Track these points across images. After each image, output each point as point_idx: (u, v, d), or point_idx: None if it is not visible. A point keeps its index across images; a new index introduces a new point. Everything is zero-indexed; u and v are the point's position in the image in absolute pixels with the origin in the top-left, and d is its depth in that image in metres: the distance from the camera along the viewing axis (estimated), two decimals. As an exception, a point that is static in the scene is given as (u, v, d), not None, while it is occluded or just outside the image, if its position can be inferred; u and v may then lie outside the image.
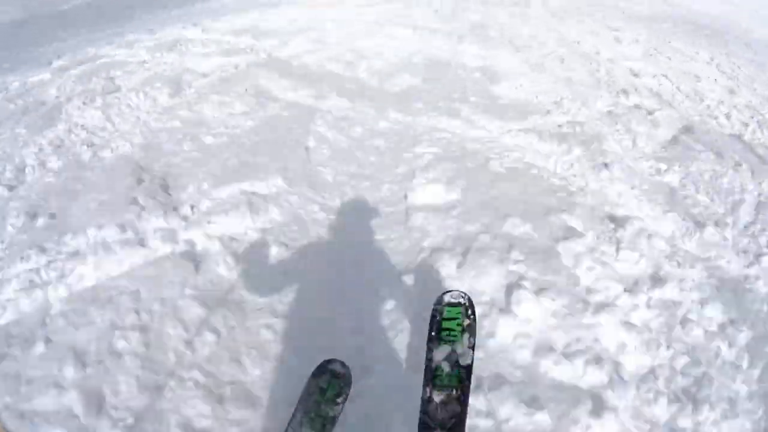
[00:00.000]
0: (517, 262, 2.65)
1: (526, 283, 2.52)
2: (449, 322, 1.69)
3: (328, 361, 1.79)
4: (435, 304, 1.72)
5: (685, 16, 8.77)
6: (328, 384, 1.74)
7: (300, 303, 2.36)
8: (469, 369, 1.63)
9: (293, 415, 1.70)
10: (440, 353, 1.65)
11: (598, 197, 3.23)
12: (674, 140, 4.10)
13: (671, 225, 3.03)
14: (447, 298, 1.73)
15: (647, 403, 2.08)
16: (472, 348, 1.66)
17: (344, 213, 3.04)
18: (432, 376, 1.61)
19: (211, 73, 5.00)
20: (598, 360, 2.22)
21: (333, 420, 1.71)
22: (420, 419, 1.53)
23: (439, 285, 2.51)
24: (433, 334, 1.68)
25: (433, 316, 1.70)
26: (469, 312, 1.71)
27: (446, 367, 1.62)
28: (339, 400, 1.73)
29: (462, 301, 1.72)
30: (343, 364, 1.79)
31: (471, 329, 1.69)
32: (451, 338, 1.67)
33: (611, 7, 9.09)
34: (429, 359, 1.64)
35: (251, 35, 6.32)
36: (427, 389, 1.59)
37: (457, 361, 1.63)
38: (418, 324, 2.23)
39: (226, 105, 4.25)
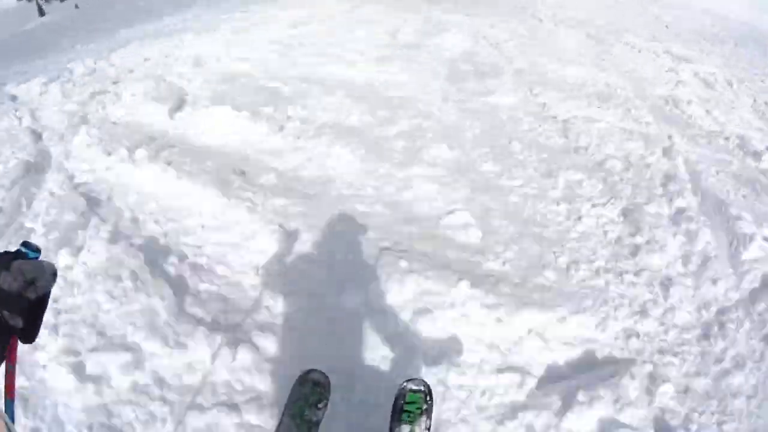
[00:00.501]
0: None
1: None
2: (410, 405, 2.09)
3: (309, 371, 2.12)
4: (399, 389, 2.13)
5: (736, 29, 7.30)
6: (311, 391, 2.06)
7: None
8: (423, 445, 2.02)
9: (281, 420, 2.00)
10: (402, 430, 2.05)
11: None
12: None
13: None
14: (410, 386, 2.13)
15: None
16: (428, 429, 2.05)
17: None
18: (392, 451, 2.02)
19: None
20: None
21: (317, 424, 2.01)
22: None
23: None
24: (395, 415, 2.09)
25: (396, 399, 2.11)
26: (428, 398, 2.10)
27: (404, 443, 2.03)
28: (320, 405, 2.04)
29: (422, 388, 2.12)
30: (322, 373, 2.11)
31: (428, 413, 2.07)
32: (410, 419, 2.07)
33: (649, 17, 7.02)
34: (391, 435, 2.05)
35: None
36: (387, 462, 2.01)
37: (413, 439, 2.03)
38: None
39: None
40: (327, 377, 2.13)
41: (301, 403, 2.04)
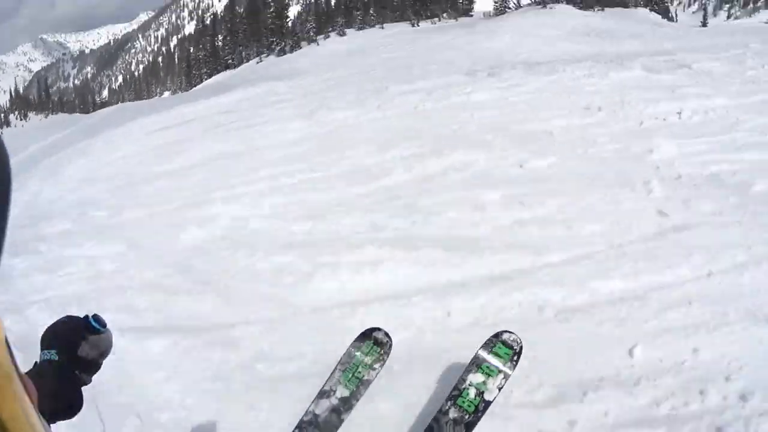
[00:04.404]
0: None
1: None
2: (495, 358, 1.78)
3: (373, 329, 1.90)
4: (492, 336, 1.80)
5: None
6: (370, 349, 1.88)
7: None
8: (488, 404, 1.76)
9: (332, 373, 1.87)
10: (474, 378, 1.77)
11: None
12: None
13: None
14: (505, 337, 1.80)
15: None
16: (500, 389, 1.77)
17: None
18: (458, 393, 1.75)
19: None
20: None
21: (367, 383, 1.88)
22: (429, 425, 1.68)
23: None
24: (479, 356, 1.77)
25: (486, 344, 1.79)
26: (515, 358, 1.79)
27: (472, 393, 1.76)
28: (377, 366, 1.89)
29: (515, 347, 1.80)
30: (386, 333, 1.89)
31: (507, 374, 1.78)
32: (489, 371, 1.77)
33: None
34: (463, 378, 1.76)
35: None
36: (448, 402, 1.74)
37: (482, 393, 1.76)
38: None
39: None
40: (389, 337, 1.89)
41: (356, 359, 1.87)
